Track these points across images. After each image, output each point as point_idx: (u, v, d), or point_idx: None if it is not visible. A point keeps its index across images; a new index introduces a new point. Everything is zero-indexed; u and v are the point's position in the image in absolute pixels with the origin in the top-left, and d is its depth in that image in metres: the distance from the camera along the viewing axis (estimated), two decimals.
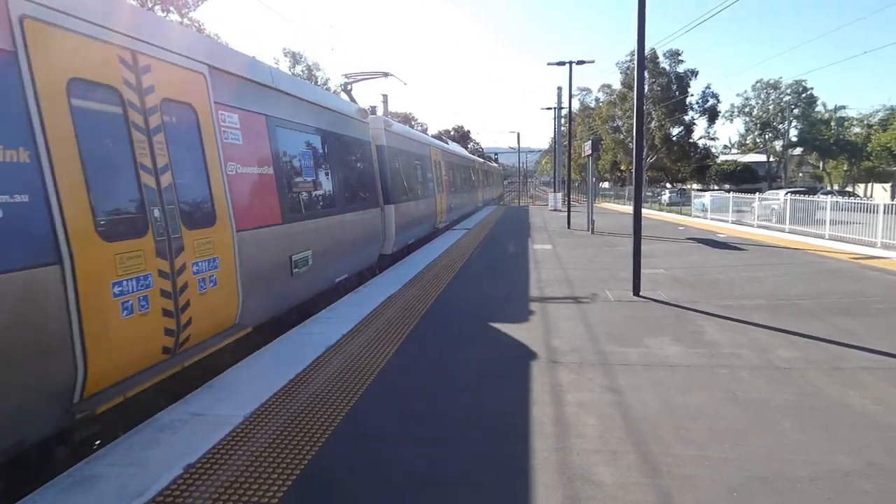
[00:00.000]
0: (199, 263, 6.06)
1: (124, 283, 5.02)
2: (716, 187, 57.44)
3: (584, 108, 64.85)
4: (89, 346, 4.63)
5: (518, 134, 70.23)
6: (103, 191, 4.90)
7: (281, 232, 7.84)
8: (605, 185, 64.87)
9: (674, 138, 51.20)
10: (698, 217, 28.37)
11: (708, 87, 60.94)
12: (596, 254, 15.01)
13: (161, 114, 5.65)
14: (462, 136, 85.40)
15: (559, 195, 38.36)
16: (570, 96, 27.28)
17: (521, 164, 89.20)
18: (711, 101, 50.80)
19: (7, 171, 4.09)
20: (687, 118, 50.90)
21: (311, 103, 9.59)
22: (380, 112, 25.39)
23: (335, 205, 10.05)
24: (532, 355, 6.54)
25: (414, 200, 16.68)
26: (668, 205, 40.20)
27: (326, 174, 9.88)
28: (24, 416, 4.20)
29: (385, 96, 30.55)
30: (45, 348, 4.28)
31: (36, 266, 4.24)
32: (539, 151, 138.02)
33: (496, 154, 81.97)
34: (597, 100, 63.13)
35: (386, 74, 15.41)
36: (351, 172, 11.22)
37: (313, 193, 9.24)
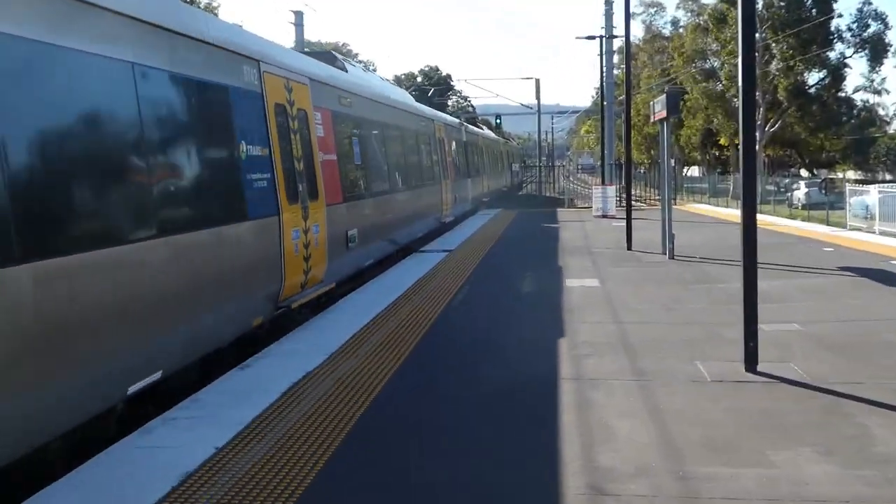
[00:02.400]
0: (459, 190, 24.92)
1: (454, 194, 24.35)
2: (889, 177, 43.47)
3: (654, 36, 49.90)
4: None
5: (537, 81, 46.60)
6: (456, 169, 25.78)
7: (463, 181, 26.66)
8: (693, 170, 54.34)
9: (811, 90, 37.45)
10: (858, 228, 22.93)
11: (868, 1, 38.95)
12: (678, 296, 12.30)
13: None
14: (437, 87, 58.62)
15: (610, 191, 28.35)
16: (629, 15, 17.75)
17: (543, 134, 62.24)
18: (875, 26, 36.40)
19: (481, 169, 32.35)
20: (833, 56, 36.79)
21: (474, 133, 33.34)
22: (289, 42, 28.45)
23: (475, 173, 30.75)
24: (562, 485, 5.22)
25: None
26: (804, 207, 31.05)
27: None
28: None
29: (299, 14, 26.44)
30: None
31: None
32: (574, 112, 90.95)
33: (498, 118, 55.65)
34: (674, 23, 47.48)
35: None
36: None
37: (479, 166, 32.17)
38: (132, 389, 6.25)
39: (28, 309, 4.93)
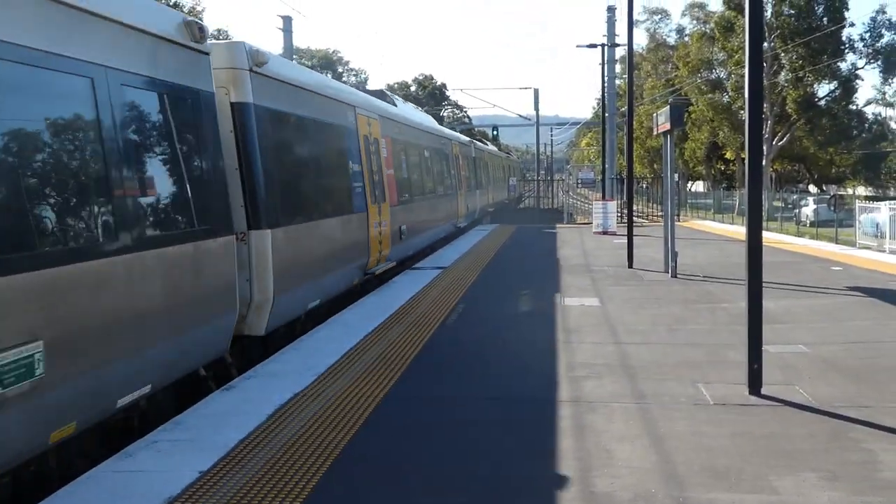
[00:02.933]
0: (469, 200, 28.28)
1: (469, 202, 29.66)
2: None
3: (658, 45, 48.63)
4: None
5: (536, 91, 46.49)
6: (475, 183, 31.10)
7: (473, 193, 29.41)
8: (698, 185, 53.61)
9: (820, 103, 36.26)
10: (867, 247, 22.60)
11: (882, 10, 37.02)
12: (681, 316, 12.16)
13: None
14: (432, 97, 58.78)
15: (611, 206, 27.20)
16: (631, 23, 16.97)
17: (542, 147, 62.80)
18: (889, 36, 35.01)
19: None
20: (844, 66, 35.46)
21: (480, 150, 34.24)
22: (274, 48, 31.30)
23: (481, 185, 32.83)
24: None
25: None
26: (812, 224, 30.72)
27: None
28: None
29: (287, 20, 26.70)
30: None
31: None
32: (574, 123, 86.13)
33: (495, 130, 54.75)
34: (679, 31, 46.69)
35: None
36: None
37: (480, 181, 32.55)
38: (310, 305, 10.73)
39: (293, 249, 9.76)
